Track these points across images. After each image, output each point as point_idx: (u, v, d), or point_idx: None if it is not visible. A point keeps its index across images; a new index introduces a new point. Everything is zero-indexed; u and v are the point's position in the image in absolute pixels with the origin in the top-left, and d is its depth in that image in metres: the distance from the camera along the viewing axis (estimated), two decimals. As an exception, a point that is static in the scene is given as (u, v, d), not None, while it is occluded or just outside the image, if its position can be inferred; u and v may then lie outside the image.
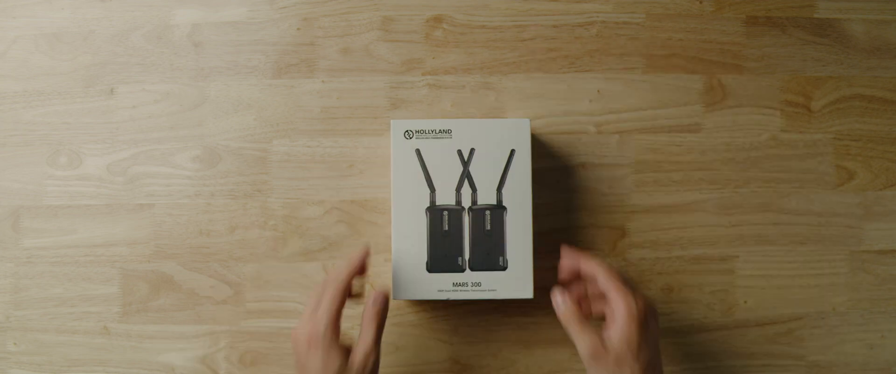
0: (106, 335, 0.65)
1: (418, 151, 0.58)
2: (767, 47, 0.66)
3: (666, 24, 0.66)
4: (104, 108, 0.66)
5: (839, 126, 0.66)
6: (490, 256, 0.58)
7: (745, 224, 0.66)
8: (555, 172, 0.65)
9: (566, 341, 0.65)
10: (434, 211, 0.58)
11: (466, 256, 0.58)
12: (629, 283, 0.54)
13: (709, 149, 0.66)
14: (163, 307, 0.65)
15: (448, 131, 0.58)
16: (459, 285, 0.58)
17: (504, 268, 0.58)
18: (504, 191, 0.58)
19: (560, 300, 0.56)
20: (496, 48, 0.66)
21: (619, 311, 0.52)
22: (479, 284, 0.58)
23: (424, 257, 0.58)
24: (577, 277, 0.58)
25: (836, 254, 0.66)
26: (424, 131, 0.58)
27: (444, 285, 0.58)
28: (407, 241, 0.58)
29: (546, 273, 0.62)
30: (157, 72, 0.66)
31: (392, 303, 0.64)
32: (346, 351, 0.53)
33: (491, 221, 0.58)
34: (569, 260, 0.57)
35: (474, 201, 0.58)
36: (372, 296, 0.55)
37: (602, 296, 0.56)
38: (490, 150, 0.58)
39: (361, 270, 0.56)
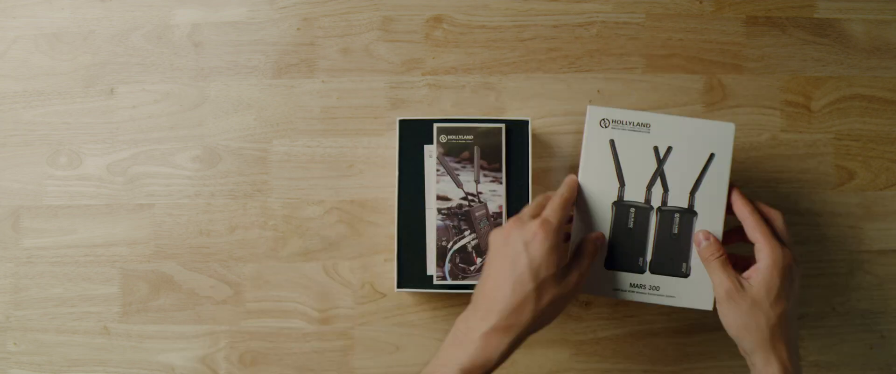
0: (106, 335, 0.65)
1: (612, 143, 0.55)
2: (767, 47, 0.66)
3: (666, 23, 0.66)
4: (104, 108, 0.66)
5: (839, 126, 0.66)
6: (673, 261, 0.55)
7: (745, 224, 0.66)
8: (555, 172, 0.65)
9: (567, 341, 0.65)
10: (621, 206, 0.55)
11: (648, 257, 0.55)
12: (780, 234, 0.52)
13: (709, 149, 0.66)
14: (163, 307, 0.65)
15: (647, 125, 0.54)
16: (637, 286, 0.55)
17: (686, 275, 0.55)
18: (697, 195, 0.54)
19: (702, 237, 0.53)
20: (496, 48, 0.66)
21: (763, 258, 0.50)
22: (657, 288, 0.55)
23: (603, 253, 0.55)
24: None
25: (836, 254, 0.66)
26: (621, 122, 0.55)
27: (620, 285, 0.55)
28: (587, 232, 0.55)
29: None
30: (157, 72, 0.66)
31: (390, 302, 0.64)
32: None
33: (679, 224, 0.55)
34: (738, 202, 0.54)
35: (664, 202, 0.55)
36: (593, 234, 0.54)
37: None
38: (688, 151, 0.54)
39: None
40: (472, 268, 0.59)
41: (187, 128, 0.66)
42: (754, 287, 0.50)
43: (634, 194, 0.55)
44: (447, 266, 0.59)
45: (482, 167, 0.59)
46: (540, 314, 0.49)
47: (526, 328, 0.49)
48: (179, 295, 0.65)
